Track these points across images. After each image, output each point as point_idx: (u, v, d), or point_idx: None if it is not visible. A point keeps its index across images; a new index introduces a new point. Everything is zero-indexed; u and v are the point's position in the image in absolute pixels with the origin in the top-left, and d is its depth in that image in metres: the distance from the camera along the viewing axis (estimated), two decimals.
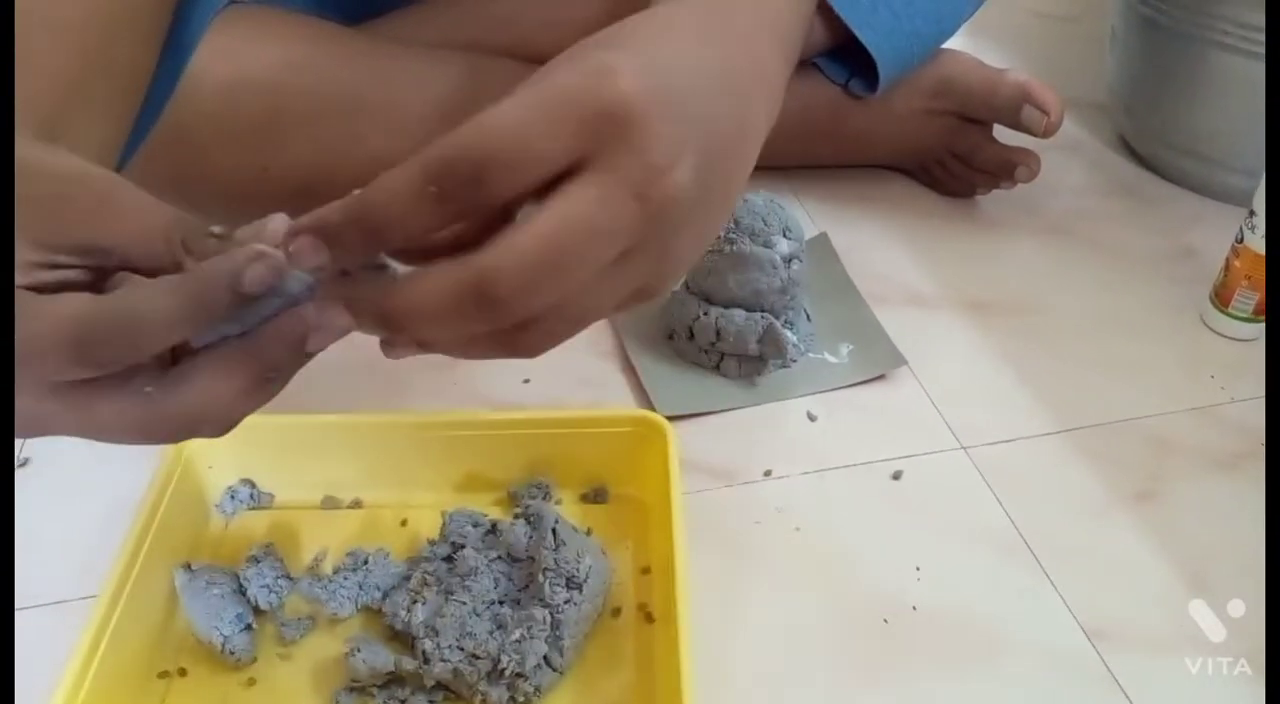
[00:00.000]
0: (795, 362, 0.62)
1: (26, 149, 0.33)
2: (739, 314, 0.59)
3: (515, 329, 0.30)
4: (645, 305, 0.34)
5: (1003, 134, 0.76)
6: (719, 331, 0.60)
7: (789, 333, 0.59)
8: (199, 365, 0.31)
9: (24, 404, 0.30)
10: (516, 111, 0.28)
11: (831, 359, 0.63)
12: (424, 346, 0.31)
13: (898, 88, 0.74)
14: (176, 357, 0.32)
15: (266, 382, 0.31)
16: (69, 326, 0.28)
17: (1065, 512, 0.54)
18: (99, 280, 0.32)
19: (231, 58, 0.59)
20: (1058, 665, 0.47)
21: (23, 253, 0.30)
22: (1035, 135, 0.72)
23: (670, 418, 0.53)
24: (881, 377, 0.62)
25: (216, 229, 0.31)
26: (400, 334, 0.30)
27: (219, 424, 0.32)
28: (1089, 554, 0.52)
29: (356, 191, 0.28)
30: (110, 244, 0.31)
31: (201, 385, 0.30)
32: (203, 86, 0.57)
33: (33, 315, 0.29)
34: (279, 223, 0.30)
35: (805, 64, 0.75)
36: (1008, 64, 0.75)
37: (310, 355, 0.31)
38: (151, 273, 0.31)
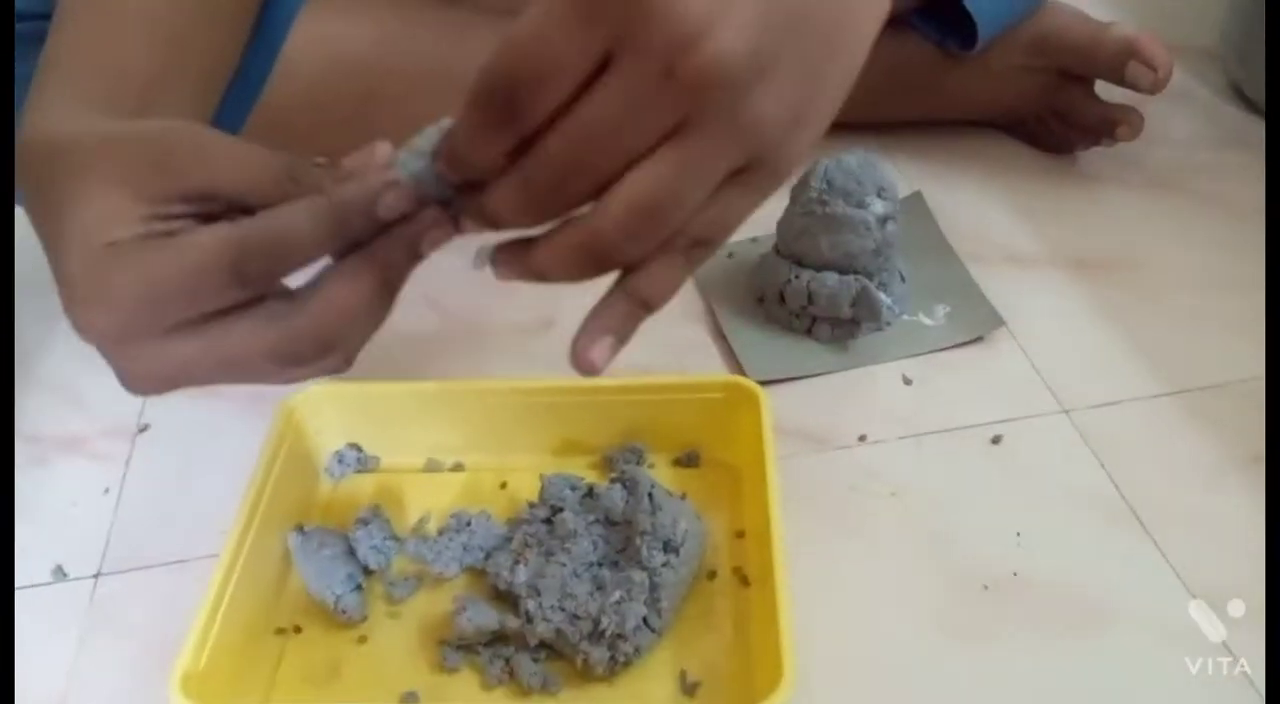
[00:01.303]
0: (889, 324, 0.61)
1: (115, 124, 0.34)
2: (831, 277, 0.59)
3: (598, 235, 0.30)
4: (766, 196, 0.33)
5: (1106, 89, 0.73)
6: (811, 295, 0.59)
7: (883, 295, 0.59)
8: (325, 278, 0.33)
9: (171, 348, 0.32)
10: (531, 21, 0.28)
11: (927, 321, 0.62)
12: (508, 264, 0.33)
13: (995, 44, 0.71)
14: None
15: (387, 285, 0.33)
16: (225, 248, 0.31)
17: (1174, 476, 0.52)
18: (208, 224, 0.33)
19: (325, 41, 0.59)
20: (1166, 635, 0.46)
21: (134, 208, 0.32)
22: (1142, 92, 0.69)
23: (762, 383, 0.53)
24: (979, 339, 0.61)
25: (321, 160, 0.33)
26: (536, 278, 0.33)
27: (349, 340, 0.34)
28: (1200, 520, 0.50)
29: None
30: (220, 186, 0.32)
31: (330, 294, 0.33)
32: (298, 72, 0.58)
33: (181, 248, 0.31)
34: (384, 150, 0.33)
35: (899, 22, 0.73)
36: (1111, 10, 0.72)
37: (423, 256, 0.34)
38: (261, 209, 0.33)
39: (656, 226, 0.30)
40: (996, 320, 0.61)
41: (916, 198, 0.70)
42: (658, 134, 0.29)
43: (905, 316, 0.62)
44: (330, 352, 0.34)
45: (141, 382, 0.34)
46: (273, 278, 0.32)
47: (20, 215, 0.37)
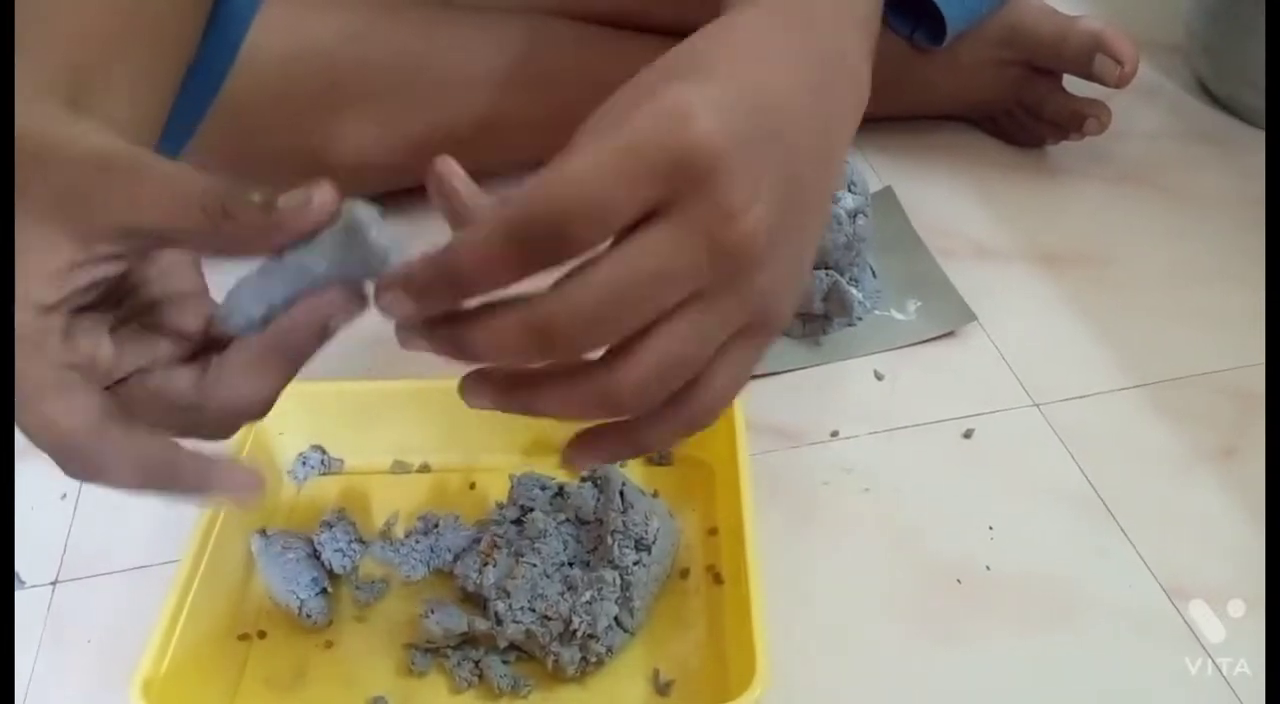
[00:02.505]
0: (861, 319, 0.61)
1: (56, 125, 0.33)
2: None
3: (595, 378, 0.30)
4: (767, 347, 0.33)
5: (1075, 83, 0.73)
6: None
7: (854, 290, 0.58)
8: (233, 366, 0.32)
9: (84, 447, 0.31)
10: (593, 164, 0.27)
11: (899, 316, 0.62)
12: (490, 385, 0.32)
13: (964, 38, 0.71)
14: (206, 347, 0.33)
15: (293, 367, 0.33)
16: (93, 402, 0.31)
17: (1143, 469, 0.53)
18: (135, 263, 0.32)
19: (289, 31, 0.58)
20: (1136, 625, 0.46)
21: (64, 253, 0.30)
22: (1108, 86, 0.69)
23: None
24: (950, 333, 0.60)
25: (257, 196, 0.31)
26: (472, 360, 0.31)
27: (255, 416, 0.33)
28: (1169, 512, 0.50)
29: (442, 245, 0.29)
30: (147, 222, 0.30)
31: (238, 383, 0.32)
32: (261, 62, 0.57)
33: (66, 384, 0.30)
34: (325, 193, 0.30)
35: None
36: (1079, 4, 0.72)
37: (331, 335, 0.32)
38: (189, 246, 0.32)
39: (668, 385, 0.30)
40: (968, 315, 0.61)
41: (887, 193, 0.70)
42: (685, 294, 0.29)
43: (877, 311, 0.62)
44: (242, 423, 0.33)
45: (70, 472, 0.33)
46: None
47: None
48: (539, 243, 0.27)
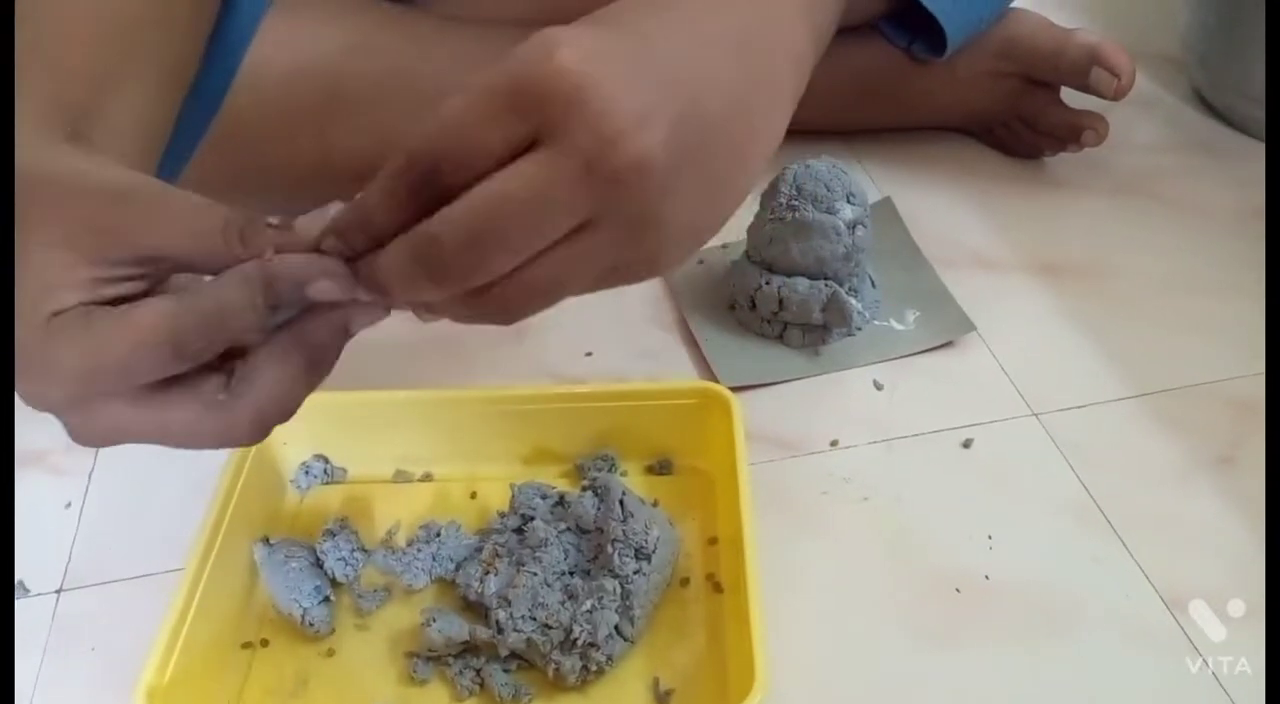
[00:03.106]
0: (860, 329, 0.61)
1: (63, 160, 0.33)
2: (802, 282, 0.59)
3: (480, 295, 0.31)
4: (662, 277, 0.34)
5: (1072, 96, 0.73)
6: (782, 301, 0.59)
7: (854, 301, 0.59)
8: (259, 365, 0.33)
9: (114, 413, 0.32)
10: (460, 104, 0.29)
11: (898, 326, 0.62)
12: (419, 309, 0.34)
13: (962, 50, 0.72)
14: (227, 355, 0.33)
15: (317, 365, 0.34)
16: (163, 324, 0.30)
17: (1142, 478, 0.53)
18: (155, 285, 0.33)
19: (290, 46, 0.58)
20: (1134, 634, 0.46)
21: (77, 272, 0.31)
22: (1105, 98, 0.70)
23: (734, 389, 0.53)
24: (949, 343, 0.61)
25: (273, 220, 0.32)
26: (386, 299, 0.32)
27: (285, 415, 0.34)
28: (1167, 522, 0.51)
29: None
30: (166, 250, 0.32)
31: (263, 385, 0.33)
32: (262, 77, 0.57)
33: (122, 326, 0.30)
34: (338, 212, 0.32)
35: (867, 27, 0.74)
36: (1076, 17, 0.73)
37: (351, 335, 0.34)
38: (208, 271, 0.32)
39: (538, 305, 0.32)
40: (967, 325, 0.61)
41: (886, 203, 0.70)
42: (565, 225, 0.30)
43: (876, 322, 0.62)
44: (271, 425, 0.34)
45: (85, 438, 0.33)
46: (210, 352, 0.32)
47: None
48: (419, 183, 0.29)
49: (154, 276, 0.32)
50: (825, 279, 0.59)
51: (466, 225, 0.29)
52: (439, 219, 0.30)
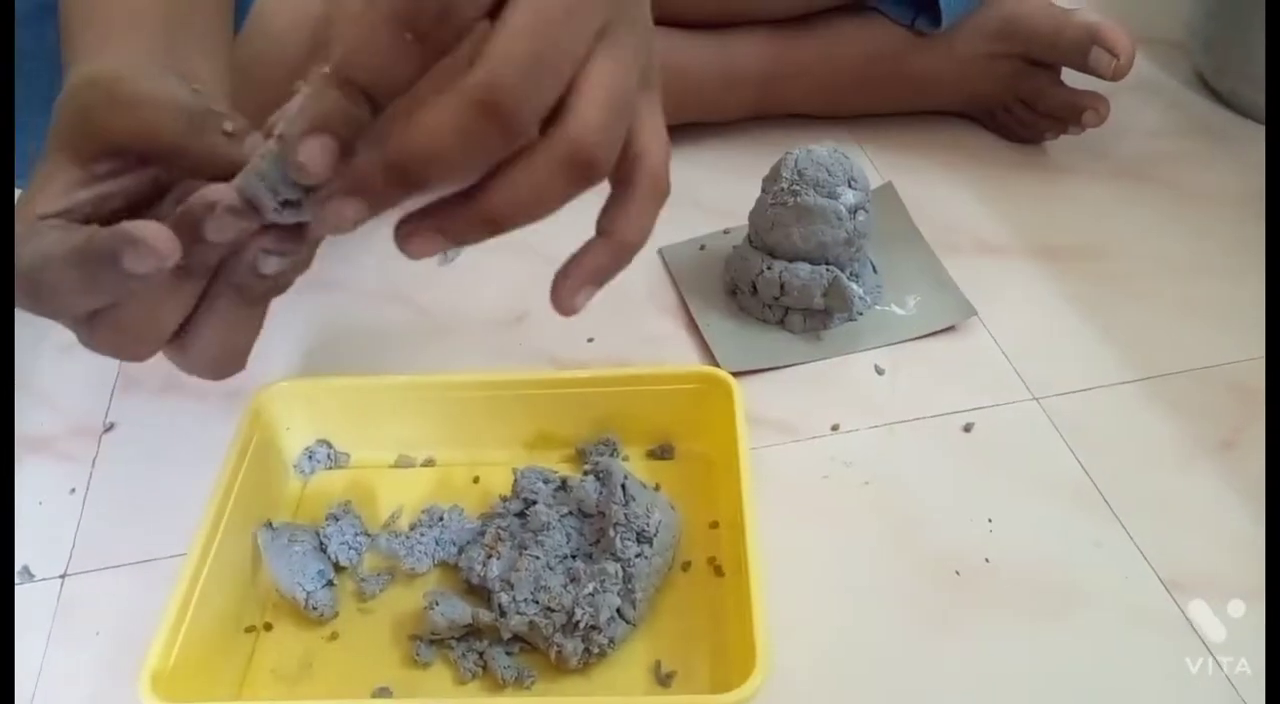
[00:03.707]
0: (861, 314, 0.61)
1: (79, 68, 0.34)
2: (803, 267, 0.59)
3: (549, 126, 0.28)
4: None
5: (1073, 78, 0.73)
6: (783, 286, 0.59)
7: (855, 285, 0.59)
8: (199, 326, 0.33)
9: (79, 328, 0.32)
10: None
11: (899, 311, 0.62)
12: (446, 232, 0.30)
13: (961, 30, 0.72)
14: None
15: (253, 304, 0.33)
16: (71, 254, 0.30)
17: (1143, 462, 0.53)
18: (155, 192, 0.33)
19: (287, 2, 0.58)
20: (1133, 617, 0.46)
21: (67, 173, 0.32)
22: (1104, 78, 0.70)
23: (735, 374, 0.53)
24: (950, 328, 0.61)
25: (229, 126, 0.32)
26: (417, 184, 0.28)
27: (236, 359, 0.34)
28: (1168, 505, 0.51)
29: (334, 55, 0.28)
30: (136, 142, 0.32)
31: (208, 336, 0.33)
32: (267, 25, 0.57)
33: (43, 247, 0.30)
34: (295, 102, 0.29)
35: (868, 9, 0.74)
36: (1077, 2, 0.73)
37: (268, 277, 0.32)
38: (174, 163, 0.32)
39: (622, 120, 0.30)
40: (968, 309, 0.61)
41: (888, 189, 0.70)
42: (596, 25, 0.28)
43: (878, 307, 0.62)
44: (226, 374, 0.34)
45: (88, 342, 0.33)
46: (124, 291, 0.31)
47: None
48: (429, 23, 0.27)
49: (134, 175, 0.33)
50: (827, 264, 0.59)
51: (528, 49, 0.26)
52: (491, 56, 0.26)
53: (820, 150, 0.59)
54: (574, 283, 0.32)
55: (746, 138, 0.76)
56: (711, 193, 0.70)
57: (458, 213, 0.29)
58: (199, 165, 0.32)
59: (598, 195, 0.32)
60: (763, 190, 0.61)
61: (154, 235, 0.29)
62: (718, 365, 0.57)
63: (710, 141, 0.76)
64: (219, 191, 0.30)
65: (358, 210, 0.28)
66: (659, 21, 0.34)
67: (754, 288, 0.61)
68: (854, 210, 0.58)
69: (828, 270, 0.58)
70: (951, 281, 0.63)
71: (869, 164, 0.74)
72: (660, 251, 0.67)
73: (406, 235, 0.29)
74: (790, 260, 0.59)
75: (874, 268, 0.63)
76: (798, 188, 0.58)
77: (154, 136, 0.32)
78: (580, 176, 0.29)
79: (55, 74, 0.38)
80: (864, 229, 0.59)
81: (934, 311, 0.62)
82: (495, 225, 0.29)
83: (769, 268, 0.60)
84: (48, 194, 0.32)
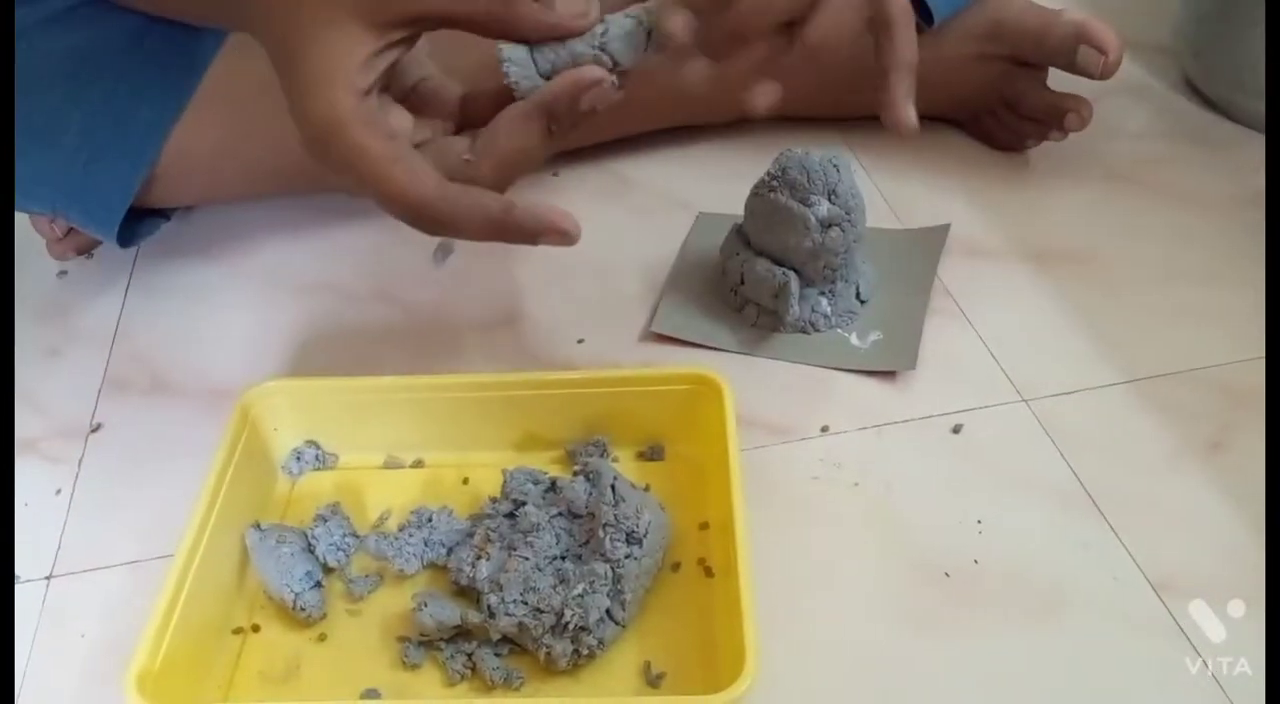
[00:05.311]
0: (818, 331, 0.60)
1: None
2: (762, 263, 0.59)
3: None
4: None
5: (1062, 82, 0.73)
6: (743, 276, 0.60)
7: (795, 301, 0.58)
8: (500, 125, 0.38)
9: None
10: None
11: (855, 342, 0.60)
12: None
13: (950, 32, 0.72)
14: (463, 124, 0.39)
15: (554, 132, 0.38)
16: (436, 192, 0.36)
17: (1131, 464, 0.53)
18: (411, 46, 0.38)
19: None
20: (1123, 619, 0.46)
21: (367, 43, 0.35)
22: (1092, 77, 0.70)
23: (658, 337, 0.54)
24: (939, 330, 0.61)
25: None
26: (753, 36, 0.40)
27: (524, 168, 0.38)
28: (1156, 507, 0.51)
29: None
30: (436, 9, 0.35)
31: (506, 138, 0.38)
32: None
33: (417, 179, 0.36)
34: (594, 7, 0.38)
35: None
36: (1066, 3, 0.73)
37: (585, 109, 0.38)
38: (473, 28, 0.36)
39: None
40: (909, 362, 0.58)
41: (941, 230, 0.68)
42: None
43: (838, 330, 0.61)
44: (509, 183, 0.38)
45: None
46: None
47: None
48: None
49: (415, 38, 0.37)
50: (790, 268, 0.58)
51: None
52: None
53: (814, 156, 0.58)
54: (899, 104, 0.44)
55: (739, 140, 0.76)
56: (700, 194, 0.70)
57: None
58: (507, 29, 0.37)
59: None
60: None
61: (575, 227, 0.38)
62: (654, 328, 0.60)
63: (701, 145, 0.76)
64: (595, 72, 0.37)
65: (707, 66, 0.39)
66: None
67: (723, 270, 0.62)
68: (826, 224, 0.56)
69: (784, 273, 0.58)
70: (918, 333, 0.60)
71: (859, 167, 0.75)
72: (699, 216, 0.69)
73: (751, 93, 0.41)
74: (758, 253, 0.59)
75: (859, 296, 0.61)
76: (775, 185, 0.57)
77: (473, 3, 0.36)
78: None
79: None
80: (835, 246, 0.57)
81: (884, 354, 0.59)
82: (814, 57, 0.40)
83: (738, 254, 0.60)
84: (356, 66, 0.34)
